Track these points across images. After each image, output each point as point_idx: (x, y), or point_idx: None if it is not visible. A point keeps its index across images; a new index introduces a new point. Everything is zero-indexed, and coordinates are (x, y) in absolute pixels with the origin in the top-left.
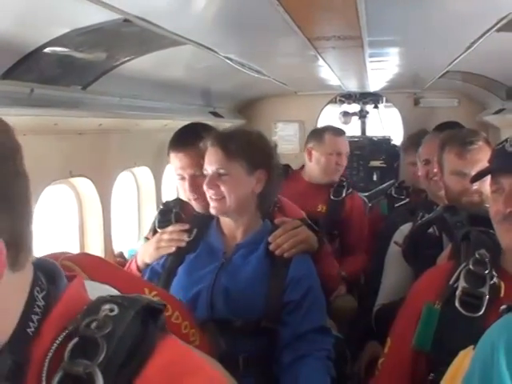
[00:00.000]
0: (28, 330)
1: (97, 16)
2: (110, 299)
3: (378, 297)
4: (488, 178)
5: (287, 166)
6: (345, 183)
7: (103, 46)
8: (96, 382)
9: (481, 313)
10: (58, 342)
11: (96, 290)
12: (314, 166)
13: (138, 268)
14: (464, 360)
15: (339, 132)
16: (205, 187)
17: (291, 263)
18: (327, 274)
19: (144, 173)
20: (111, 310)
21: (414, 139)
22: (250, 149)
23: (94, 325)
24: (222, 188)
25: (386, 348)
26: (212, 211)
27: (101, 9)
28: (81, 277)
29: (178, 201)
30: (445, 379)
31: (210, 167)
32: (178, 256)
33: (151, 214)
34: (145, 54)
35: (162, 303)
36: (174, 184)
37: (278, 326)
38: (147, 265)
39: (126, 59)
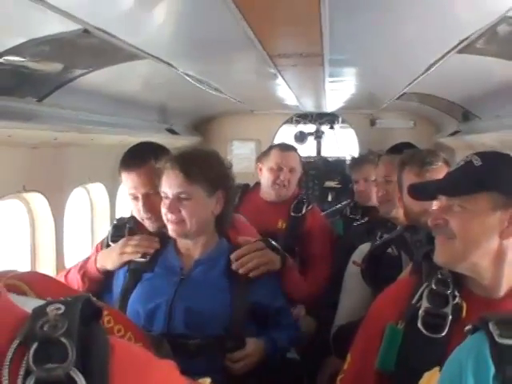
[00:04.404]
0: None
1: (56, 26)
2: (52, 301)
3: (336, 317)
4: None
5: (246, 185)
6: (305, 199)
7: (61, 57)
8: (78, 382)
9: (444, 333)
10: (11, 351)
11: (37, 303)
12: (263, 183)
13: (98, 271)
14: (430, 381)
15: (286, 148)
16: (164, 211)
17: (255, 284)
18: (292, 288)
19: (98, 189)
20: (58, 309)
21: (357, 159)
22: (209, 171)
23: (46, 326)
24: (183, 212)
25: (346, 364)
26: (172, 234)
27: (60, 18)
28: (5, 292)
29: (132, 218)
30: None
31: (170, 191)
32: (135, 275)
33: (104, 232)
34: (103, 67)
35: (100, 304)
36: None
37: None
38: (106, 270)
39: (84, 72)
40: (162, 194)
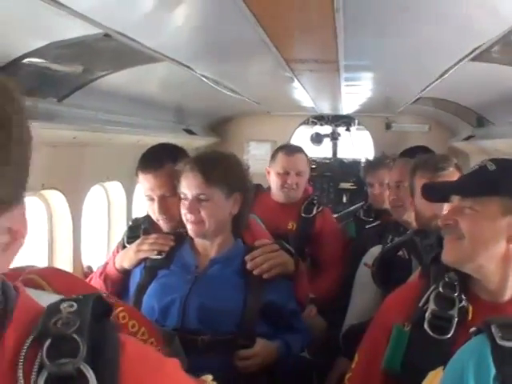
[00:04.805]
0: None
1: (77, 30)
2: (65, 298)
3: (347, 318)
4: None
5: (259, 186)
6: (315, 201)
7: (81, 59)
8: (88, 377)
9: (449, 335)
10: (26, 346)
11: (53, 299)
12: (272, 186)
13: (118, 271)
14: (433, 381)
15: (292, 150)
16: (183, 211)
17: (269, 285)
18: (299, 296)
19: (115, 188)
20: (71, 306)
21: (372, 163)
22: (228, 174)
23: (59, 323)
24: (202, 213)
25: (354, 364)
26: (191, 233)
27: (82, 23)
28: (23, 286)
29: (148, 217)
30: None
31: (189, 192)
32: (151, 272)
33: (121, 229)
34: (122, 70)
35: (110, 301)
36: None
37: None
38: (125, 270)
39: (103, 74)
40: (182, 195)
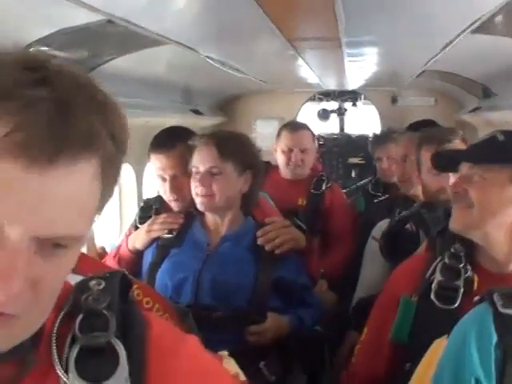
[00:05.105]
0: None
1: (81, 17)
2: (93, 276)
3: (356, 291)
4: None
5: (268, 163)
6: (324, 177)
7: (87, 45)
8: (118, 350)
9: (455, 305)
10: (59, 320)
11: (77, 278)
12: (279, 163)
13: (131, 251)
14: (438, 348)
15: (296, 128)
16: (194, 185)
17: (280, 261)
18: (310, 271)
19: (126, 170)
20: (99, 284)
21: (379, 137)
22: (241, 150)
23: (90, 299)
24: (214, 186)
25: (363, 336)
26: (200, 207)
27: (85, 11)
28: None
29: (159, 198)
30: (420, 365)
31: (202, 165)
32: (163, 250)
33: (132, 210)
34: (127, 54)
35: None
36: (155, 181)
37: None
38: (138, 251)
39: (109, 58)
40: (193, 169)
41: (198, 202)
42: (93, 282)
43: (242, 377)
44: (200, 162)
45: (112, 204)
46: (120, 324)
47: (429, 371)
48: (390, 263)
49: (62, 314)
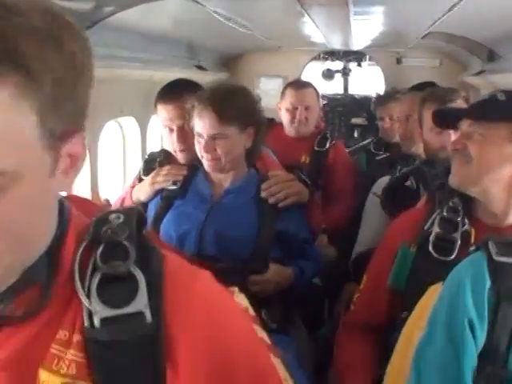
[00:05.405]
0: (61, 237)
1: None
2: (112, 210)
3: (356, 245)
4: None
5: (272, 120)
6: (328, 135)
7: None
8: (137, 278)
9: (452, 257)
10: (80, 250)
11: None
12: (283, 121)
13: (134, 204)
14: (433, 293)
15: (300, 86)
16: (199, 148)
17: (283, 213)
18: (312, 225)
19: (130, 123)
20: (118, 218)
21: (382, 97)
22: (242, 109)
23: (110, 231)
24: (218, 150)
25: (362, 285)
26: (207, 169)
27: None
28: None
29: (163, 151)
30: (416, 307)
31: (204, 132)
32: (167, 201)
33: (136, 164)
34: (132, 6)
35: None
36: (159, 135)
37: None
38: (142, 203)
39: (113, 11)
40: (196, 133)
41: (205, 164)
42: (112, 216)
43: (252, 312)
44: (202, 128)
45: (116, 157)
46: (139, 255)
47: (424, 313)
48: (390, 218)
49: (82, 245)
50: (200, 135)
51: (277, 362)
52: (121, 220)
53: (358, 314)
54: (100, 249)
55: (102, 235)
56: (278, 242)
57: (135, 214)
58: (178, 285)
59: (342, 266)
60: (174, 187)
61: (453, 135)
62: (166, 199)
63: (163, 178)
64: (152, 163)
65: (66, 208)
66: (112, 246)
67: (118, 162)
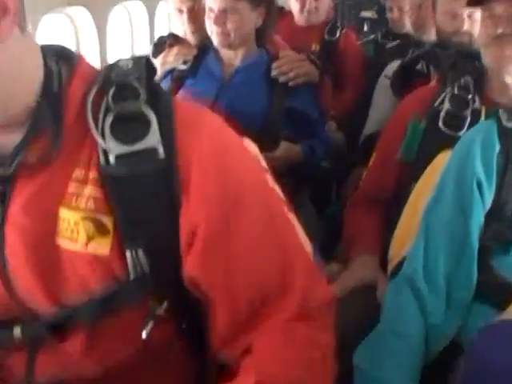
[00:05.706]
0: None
1: None
2: (121, 59)
3: (366, 127)
4: (478, 20)
5: (281, 9)
6: (338, 23)
7: None
8: (149, 117)
9: (462, 132)
10: (92, 93)
11: None
12: (293, 9)
13: None
14: (441, 161)
15: None
16: (209, 23)
17: (293, 92)
18: (322, 106)
19: (138, 8)
20: (128, 65)
21: None
22: None
23: (120, 75)
24: (229, 25)
25: (371, 161)
26: (216, 44)
27: None
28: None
29: (172, 35)
30: (424, 174)
31: (215, 5)
32: (178, 81)
33: (145, 49)
34: None
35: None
36: (167, 20)
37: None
38: None
39: None
40: (207, 8)
41: (214, 39)
42: (122, 62)
43: (263, 162)
44: (213, 2)
45: (124, 43)
46: (149, 96)
47: (431, 180)
48: (398, 101)
49: (95, 87)
50: (211, 10)
51: (292, 217)
52: (130, 65)
53: (366, 188)
54: (111, 91)
55: (112, 78)
56: (288, 120)
57: (144, 60)
58: (188, 124)
59: (350, 151)
60: (184, 67)
61: (467, 20)
62: (177, 79)
63: (174, 58)
64: (161, 46)
65: (75, 56)
66: (123, 87)
67: (125, 47)
